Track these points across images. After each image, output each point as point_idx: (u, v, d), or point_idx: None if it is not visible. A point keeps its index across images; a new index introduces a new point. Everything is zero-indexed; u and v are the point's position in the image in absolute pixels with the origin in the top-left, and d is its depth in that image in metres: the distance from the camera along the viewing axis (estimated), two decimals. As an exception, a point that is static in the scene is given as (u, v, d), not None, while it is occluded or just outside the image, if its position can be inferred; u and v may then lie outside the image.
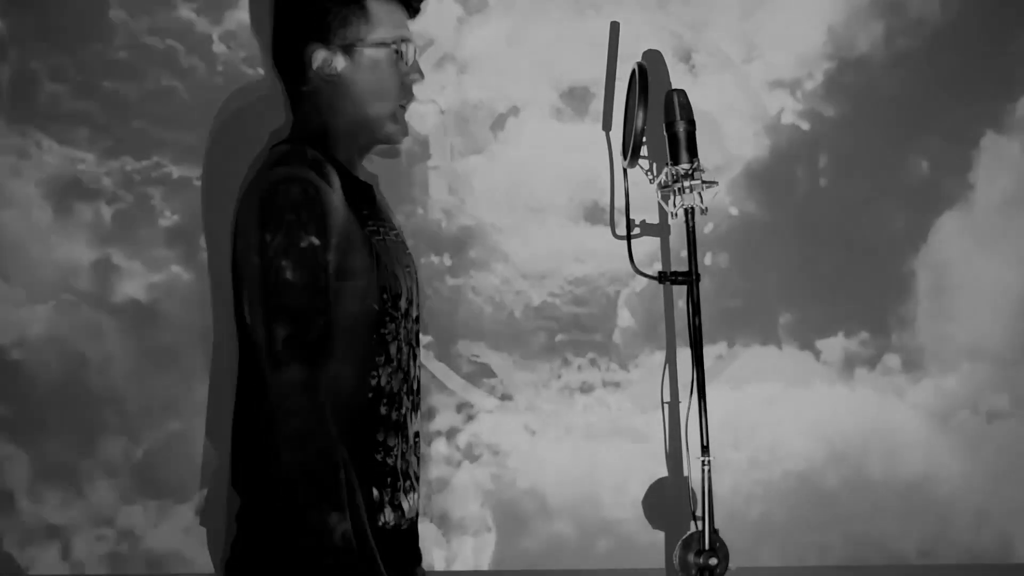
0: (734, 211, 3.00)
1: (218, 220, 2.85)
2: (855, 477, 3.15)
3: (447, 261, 2.96)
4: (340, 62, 1.91)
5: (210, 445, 2.87)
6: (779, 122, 3.02)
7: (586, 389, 3.09)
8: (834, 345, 3.18)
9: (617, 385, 3.14)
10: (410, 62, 1.95)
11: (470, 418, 3.13)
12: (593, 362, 3.09)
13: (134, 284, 3.13)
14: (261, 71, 3.08)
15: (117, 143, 3.12)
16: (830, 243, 3.14)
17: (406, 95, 1.98)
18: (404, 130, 1.97)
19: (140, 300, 3.12)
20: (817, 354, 3.19)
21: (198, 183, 3.07)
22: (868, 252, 3.16)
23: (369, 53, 1.92)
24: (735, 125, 2.99)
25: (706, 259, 2.92)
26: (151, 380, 3.11)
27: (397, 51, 1.93)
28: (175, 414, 3.09)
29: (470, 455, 3.05)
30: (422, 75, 1.98)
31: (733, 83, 2.98)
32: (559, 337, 3.07)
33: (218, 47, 3.10)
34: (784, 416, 3.13)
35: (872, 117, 3.13)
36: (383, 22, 1.94)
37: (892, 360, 3.18)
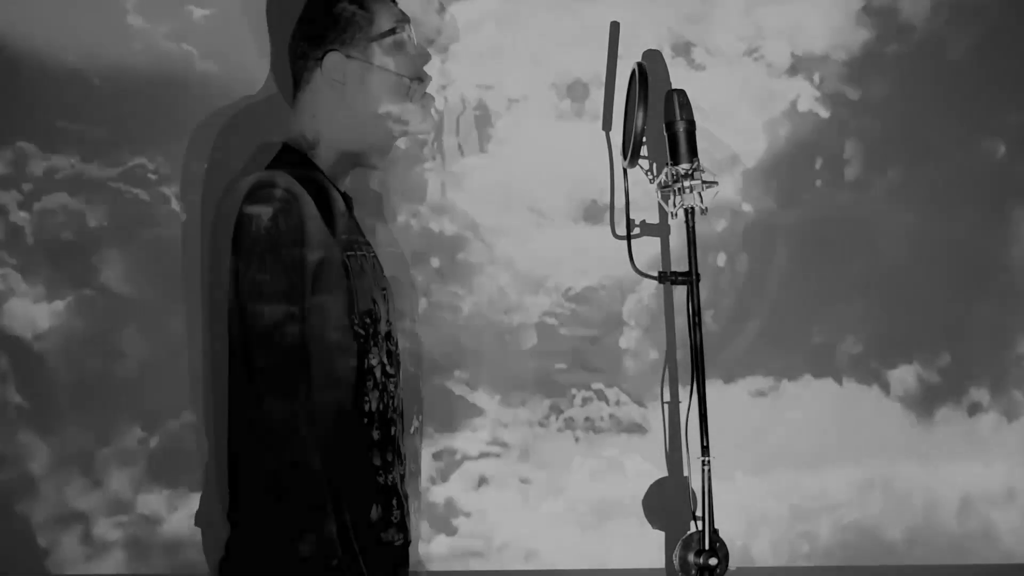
0: (747, 207, 2.81)
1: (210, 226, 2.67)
2: (923, 531, 2.88)
3: (435, 265, 2.78)
4: (351, 73, 1.97)
5: (206, 444, 2.66)
6: (795, 109, 2.84)
7: (589, 428, 2.85)
8: (907, 376, 2.89)
9: (629, 428, 2.88)
10: (415, 100, 2.01)
11: (450, 469, 2.84)
12: (600, 395, 2.85)
13: (28, 316, 2.81)
14: (186, 47, 2.81)
15: (13, 138, 2.81)
16: (873, 244, 2.90)
17: (418, 84, 2.02)
18: (427, 124, 2.06)
19: (35, 336, 2.78)
20: (886, 387, 2.91)
21: (116, 186, 2.78)
22: (923, 255, 2.90)
23: (380, 75, 1.98)
24: (745, 115, 2.83)
25: (718, 260, 2.79)
26: (35, 444, 2.76)
27: (408, 87, 2.00)
28: (65, 489, 2.78)
29: (447, 526, 2.74)
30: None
31: (741, 70, 2.82)
32: (559, 366, 2.85)
33: (134, 19, 2.80)
34: (839, 457, 2.86)
35: (922, 94, 2.90)
36: (404, 54, 2.01)
37: (979, 394, 2.90)
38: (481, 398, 2.85)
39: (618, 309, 2.84)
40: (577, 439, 2.87)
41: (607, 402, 2.86)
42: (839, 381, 2.91)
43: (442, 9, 2.75)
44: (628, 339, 2.85)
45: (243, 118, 2.71)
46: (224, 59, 2.78)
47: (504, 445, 2.87)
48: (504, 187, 2.78)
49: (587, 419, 2.87)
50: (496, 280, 2.81)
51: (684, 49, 2.81)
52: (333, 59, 1.98)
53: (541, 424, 2.87)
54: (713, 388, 2.74)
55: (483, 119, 2.77)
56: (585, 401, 2.87)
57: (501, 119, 2.78)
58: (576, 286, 2.82)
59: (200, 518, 2.63)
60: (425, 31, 2.78)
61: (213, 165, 2.69)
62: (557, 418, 2.86)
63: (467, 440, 2.85)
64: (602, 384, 2.87)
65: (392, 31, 2.00)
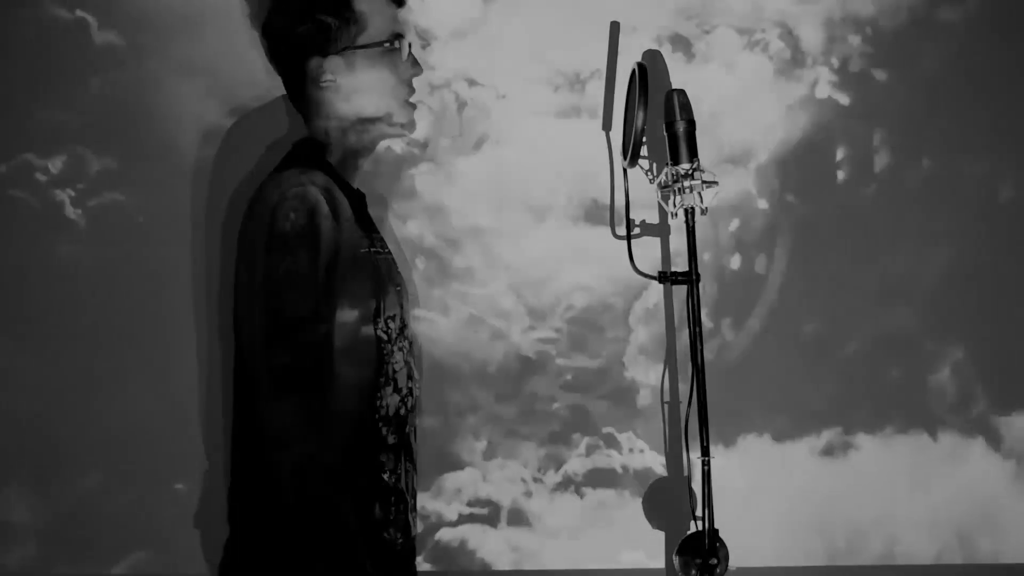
0: (763, 204, 2.74)
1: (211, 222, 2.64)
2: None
3: (422, 270, 2.73)
4: (337, 69, 2.12)
5: (203, 444, 2.62)
6: (812, 95, 2.75)
7: (593, 481, 2.68)
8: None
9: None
10: (405, 57, 2.17)
11: (421, 537, 2.58)
12: (609, 440, 2.68)
13: None
14: (81, 14, 2.64)
15: None
16: (934, 247, 2.74)
17: (408, 90, 2.20)
18: (412, 125, 2.22)
19: None
20: (997, 440, 2.71)
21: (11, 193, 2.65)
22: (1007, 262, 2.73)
23: (363, 55, 2.12)
24: (756, 105, 2.75)
25: (732, 262, 2.74)
26: None
27: (391, 48, 2.15)
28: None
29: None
30: (420, 68, 2.22)
31: (750, 56, 2.76)
32: (556, 405, 2.70)
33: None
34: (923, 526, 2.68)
35: (982, 68, 2.75)
36: (373, 21, 2.13)
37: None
38: (461, 446, 2.69)
39: (626, 332, 2.72)
40: (582, 497, 2.70)
41: (619, 450, 2.70)
42: (932, 434, 2.71)
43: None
44: (642, 367, 2.71)
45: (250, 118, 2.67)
46: (132, 28, 2.63)
47: (489, 504, 2.71)
48: (500, 187, 2.75)
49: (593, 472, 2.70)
50: (484, 292, 2.73)
51: (688, 39, 2.76)
52: (314, 65, 2.12)
53: (535, 479, 2.71)
54: (761, 446, 2.70)
55: (478, 117, 2.75)
56: (591, 449, 2.70)
57: (497, 117, 2.75)
58: (577, 303, 2.73)
59: (199, 520, 2.61)
60: (416, 26, 2.74)
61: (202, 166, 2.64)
62: (556, 471, 2.70)
63: (443, 499, 2.67)
64: (612, 427, 2.70)
65: (378, 43, 2.14)
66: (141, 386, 2.57)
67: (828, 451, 2.71)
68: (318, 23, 2.12)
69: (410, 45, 2.20)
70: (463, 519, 2.65)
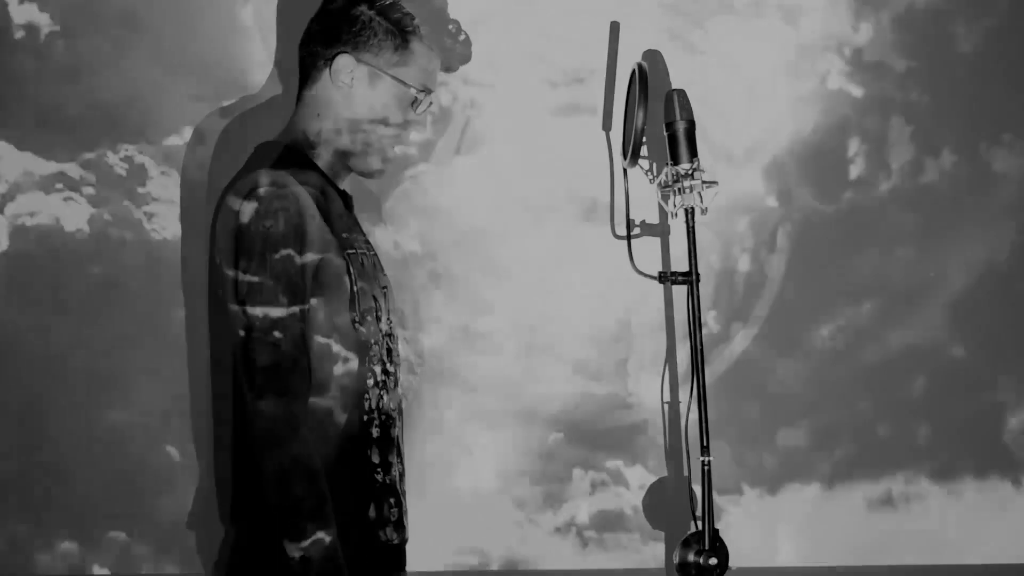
0: (772, 202, 2.77)
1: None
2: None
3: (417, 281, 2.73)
4: (359, 76, 2.19)
5: (195, 448, 2.70)
6: (824, 88, 2.78)
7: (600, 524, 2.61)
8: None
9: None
10: (420, 111, 2.26)
11: None
12: (617, 477, 2.62)
13: None
14: None
15: None
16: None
17: (401, 138, 2.27)
18: (380, 172, 2.26)
19: None
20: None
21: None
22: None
23: (387, 82, 2.21)
24: (763, 100, 2.78)
25: (740, 263, 2.76)
26: None
27: (415, 98, 2.24)
28: None
29: None
30: (423, 128, 2.46)
31: (758, 47, 2.79)
32: (554, 436, 2.64)
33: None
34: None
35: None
36: (416, 65, 2.23)
37: None
38: (445, 481, 2.62)
39: (629, 340, 2.72)
40: (586, 544, 2.62)
41: (627, 487, 2.61)
42: (1015, 480, 2.57)
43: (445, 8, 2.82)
44: (649, 390, 2.65)
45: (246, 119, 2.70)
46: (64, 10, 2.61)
47: (478, 552, 2.62)
48: (498, 188, 2.79)
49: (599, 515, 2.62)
50: (481, 297, 2.72)
51: (689, 36, 2.81)
52: (343, 61, 2.19)
53: (531, 521, 2.61)
54: (804, 494, 2.62)
55: (477, 117, 2.79)
56: (595, 487, 2.61)
57: (496, 117, 2.80)
58: (577, 309, 2.73)
59: (193, 520, 2.69)
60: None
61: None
62: (555, 513, 2.61)
63: (426, 545, 2.41)
64: (620, 461, 2.63)
65: (406, 85, 2.19)
66: (108, 404, 2.50)
67: (885, 501, 2.61)
68: (373, 27, 2.19)
69: (430, 105, 2.27)
70: (448, 570, 2.59)
